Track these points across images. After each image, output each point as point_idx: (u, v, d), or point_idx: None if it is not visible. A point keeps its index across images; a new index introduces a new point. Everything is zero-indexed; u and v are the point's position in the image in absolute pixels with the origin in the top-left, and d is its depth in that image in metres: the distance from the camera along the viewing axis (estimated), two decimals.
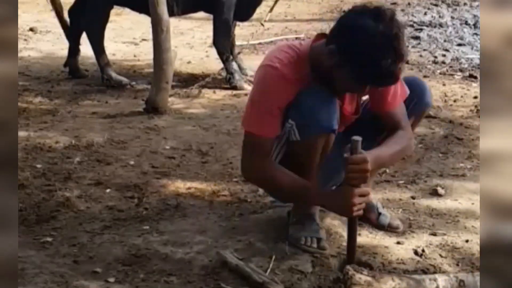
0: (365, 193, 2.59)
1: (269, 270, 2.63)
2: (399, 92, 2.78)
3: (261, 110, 2.68)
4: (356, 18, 2.51)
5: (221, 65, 5.76)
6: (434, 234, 2.99)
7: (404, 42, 2.50)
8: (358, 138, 2.50)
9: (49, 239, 2.91)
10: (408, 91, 2.83)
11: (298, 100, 2.64)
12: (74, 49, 5.63)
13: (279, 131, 2.69)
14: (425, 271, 2.67)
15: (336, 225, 3.00)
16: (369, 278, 2.39)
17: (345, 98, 2.76)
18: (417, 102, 2.87)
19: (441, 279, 2.46)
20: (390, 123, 2.79)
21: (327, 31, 2.70)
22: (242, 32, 7.34)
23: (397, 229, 2.99)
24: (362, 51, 2.46)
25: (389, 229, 2.99)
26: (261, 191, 3.37)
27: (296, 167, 2.74)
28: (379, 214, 3.02)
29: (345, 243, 2.85)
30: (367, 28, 2.46)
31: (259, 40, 6.94)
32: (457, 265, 2.74)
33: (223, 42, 5.44)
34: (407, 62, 5.95)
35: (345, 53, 2.52)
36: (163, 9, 4.64)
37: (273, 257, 2.72)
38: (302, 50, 2.70)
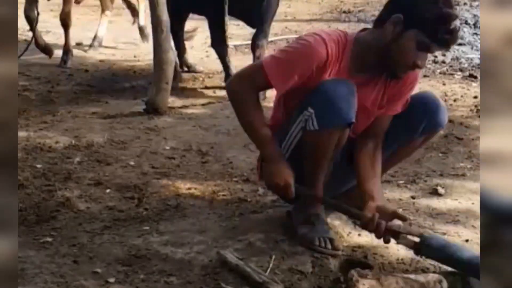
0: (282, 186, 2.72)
1: (269, 270, 2.63)
2: (402, 103, 2.84)
3: (284, 64, 2.70)
4: None
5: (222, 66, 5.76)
6: None
7: None
8: None
9: (49, 239, 2.91)
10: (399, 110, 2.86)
11: (320, 88, 2.66)
12: None
13: (283, 89, 2.75)
14: (425, 271, 2.67)
15: (336, 225, 3.00)
16: (373, 282, 2.39)
17: (368, 90, 2.78)
18: (428, 121, 2.86)
19: (445, 282, 2.45)
20: (372, 129, 2.85)
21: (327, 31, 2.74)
22: (242, 32, 7.34)
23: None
24: (430, 6, 2.58)
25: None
26: (261, 190, 3.38)
27: (307, 160, 2.74)
28: None
29: (345, 243, 2.85)
30: None
31: None
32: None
33: (220, 43, 5.40)
34: None
35: (412, 14, 2.62)
36: (163, 9, 4.64)
37: (273, 257, 2.72)
38: (349, 37, 2.75)
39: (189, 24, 7.72)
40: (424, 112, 2.83)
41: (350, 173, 2.91)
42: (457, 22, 2.61)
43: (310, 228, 2.82)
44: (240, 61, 6.05)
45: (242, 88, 2.78)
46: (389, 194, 3.37)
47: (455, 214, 3.18)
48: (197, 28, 6.25)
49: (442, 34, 2.60)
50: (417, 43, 2.63)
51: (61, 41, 6.68)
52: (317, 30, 2.84)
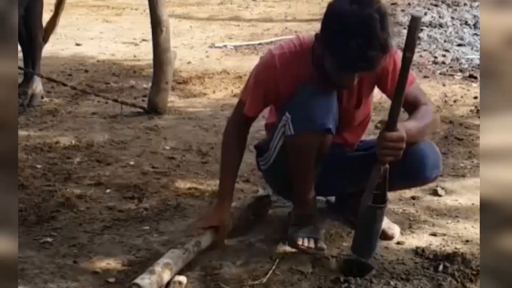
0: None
1: (271, 272, 2.63)
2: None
3: (251, 88, 2.77)
4: (335, 2, 2.53)
5: (222, 66, 5.75)
6: (434, 234, 2.99)
7: (382, 25, 2.44)
8: (419, 14, 2.39)
9: (49, 239, 2.92)
10: (415, 76, 2.80)
11: (297, 94, 2.65)
12: None
13: (256, 114, 2.81)
14: (425, 272, 2.67)
15: (336, 225, 3.00)
16: None
17: (343, 92, 2.74)
18: (413, 176, 2.77)
19: None
20: (409, 104, 2.69)
21: None
22: (242, 32, 7.34)
23: (392, 238, 2.93)
24: (334, 34, 2.47)
25: (382, 237, 2.87)
26: (261, 191, 3.37)
27: (289, 166, 2.74)
28: None
29: (345, 243, 2.85)
30: (340, 10, 2.47)
31: (259, 40, 6.94)
32: (458, 265, 2.73)
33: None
34: None
35: (324, 39, 2.54)
36: (163, 9, 4.64)
37: (277, 260, 2.71)
38: (306, 42, 2.72)
39: (187, 24, 7.74)
40: (409, 166, 2.68)
41: (345, 181, 2.93)
42: (374, 46, 2.42)
43: (298, 228, 2.84)
44: (240, 61, 6.06)
45: (226, 131, 2.88)
46: (389, 194, 3.36)
47: (455, 215, 3.18)
48: None
49: (347, 62, 2.48)
50: (335, 67, 2.54)
51: (61, 42, 6.70)
52: (273, 47, 2.84)
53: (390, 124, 2.48)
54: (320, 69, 2.62)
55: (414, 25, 2.38)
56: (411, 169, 2.72)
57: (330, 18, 2.52)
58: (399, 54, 2.60)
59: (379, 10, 2.46)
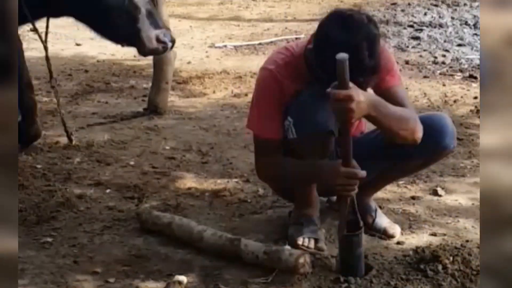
0: (352, 175, 2.54)
1: (274, 274, 2.63)
2: (396, 75, 2.76)
3: (261, 114, 2.76)
4: (327, 23, 2.56)
5: (222, 66, 5.74)
6: (434, 234, 2.99)
7: (370, 52, 2.48)
8: (343, 56, 2.35)
9: (49, 239, 2.92)
10: (400, 80, 2.80)
11: (298, 98, 2.67)
12: None
13: (281, 132, 2.72)
14: (424, 272, 2.66)
15: (336, 225, 2.99)
16: None
17: None
18: (432, 143, 2.74)
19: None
20: (396, 104, 2.67)
21: None
22: (242, 32, 7.34)
23: (392, 237, 2.94)
24: (324, 57, 2.49)
25: (383, 236, 2.95)
26: (261, 191, 3.38)
27: (294, 166, 2.74)
28: (375, 218, 2.99)
29: None
30: (330, 36, 2.51)
31: (259, 40, 6.94)
32: (458, 265, 2.73)
33: None
34: (407, 63, 5.97)
35: (316, 56, 2.57)
36: (163, 9, 4.63)
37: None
38: (298, 50, 2.74)
39: (187, 24, 7.72)
40: (428, 133, 2.68)
41: None
42: (361, 73, 2.46)
43: (299, 228, 2.85)
44: (240, 61, 6.06)
45: (264, 164, 2.81)
46: (389, 195, 3.37)
47: (455, 215, 3.18)
48: None
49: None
50: (327, 80, 2.50)
51: (61, 42, 6.70)
52: (267, 58, 2.84)
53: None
54: (314, 73, 2.63)
55: (341, 70, 2.38)
56: (431, 137, 2.70)
57: (320, 41, 2.56)
58: (390, 54, 2.71)
59: (368, 36, 2.49)
